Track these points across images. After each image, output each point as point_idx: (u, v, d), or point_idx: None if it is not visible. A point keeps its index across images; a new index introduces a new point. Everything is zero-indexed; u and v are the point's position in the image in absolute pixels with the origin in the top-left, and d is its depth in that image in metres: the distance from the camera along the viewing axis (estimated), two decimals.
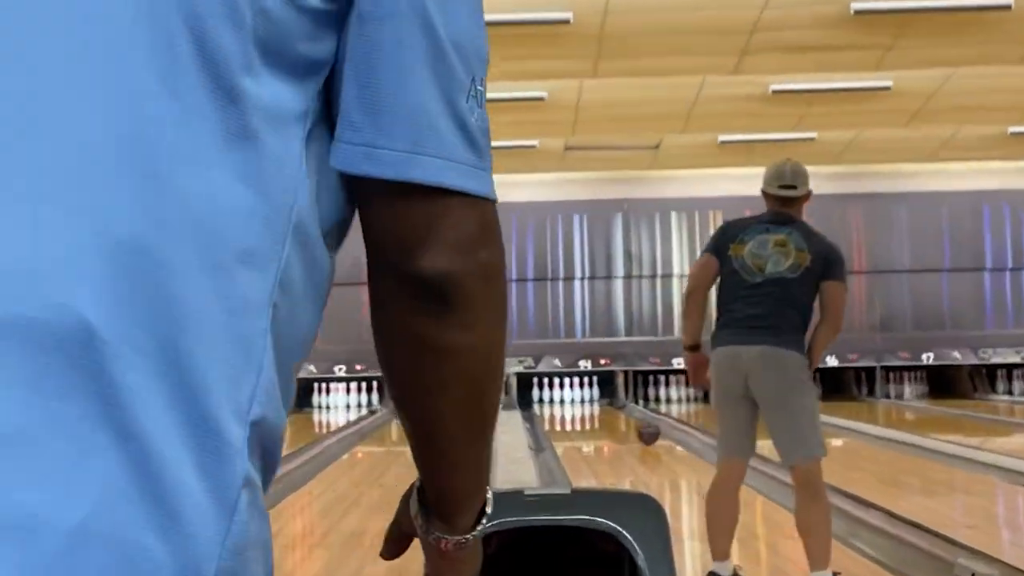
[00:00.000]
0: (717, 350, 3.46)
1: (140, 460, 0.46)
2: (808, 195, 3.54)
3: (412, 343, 0.60)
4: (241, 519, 0.49)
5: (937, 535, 4.16)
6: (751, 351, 3.32)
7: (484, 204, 0.59)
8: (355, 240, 0.64)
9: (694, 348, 3.58)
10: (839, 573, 3.40)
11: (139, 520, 0.46)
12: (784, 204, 3.49)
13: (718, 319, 3.52)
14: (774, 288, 3.35)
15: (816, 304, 3.41)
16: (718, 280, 3.54)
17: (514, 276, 12.29)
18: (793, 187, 3.51)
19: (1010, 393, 12.24)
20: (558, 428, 10.66)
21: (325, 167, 0.57)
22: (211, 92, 0.51)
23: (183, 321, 0.48)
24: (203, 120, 0.51)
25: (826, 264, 3.36)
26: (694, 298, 3.58)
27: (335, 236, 0.60)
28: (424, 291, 0.58)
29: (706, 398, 13.49)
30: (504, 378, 0.67)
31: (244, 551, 0.49)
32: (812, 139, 10.58)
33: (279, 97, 0.54)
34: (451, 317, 0.59)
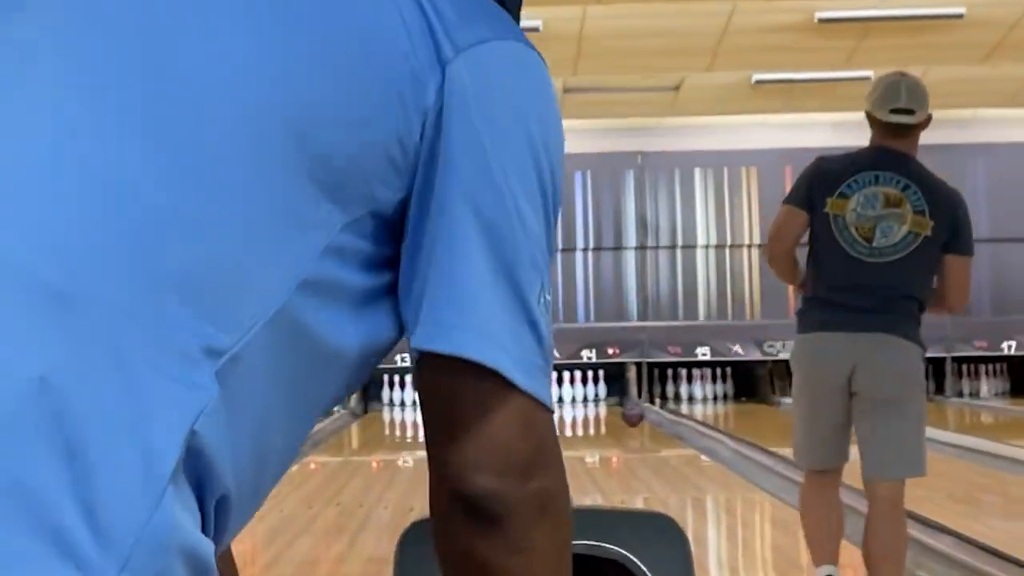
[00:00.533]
0: (810, 335, 3.51)
1: None
2: (927, 121, 3.49)
3: (462, 561, 0.74)
4: None
5: (1020, 564, 4.31)
6: (860, 339, 3.37)
7: (544, 415, 0.74)
8: None
9: (803, 285, 3.66)
10: None
11: None
12: (897, 136, 3.44)
13: (808, 296, 3.57)
14: (884, 265, 3.40)
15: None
16: (808, 240, 3.56)
17: None
18: (910, 112, 3.43)
19: None
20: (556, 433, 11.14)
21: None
22: None
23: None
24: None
25: (953, 231, 3.38)
26: (780, 264, 3.65)
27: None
28: (473, 509, 0.72)
29: (739, 396, 13.78)
30: None
31: None
32: (866, 79, 10.77)
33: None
34: (501, 538, 0.72)
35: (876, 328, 3.38)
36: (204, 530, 0.64)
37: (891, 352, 3.36)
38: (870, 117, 3.50)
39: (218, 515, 0.65)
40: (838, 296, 3.43)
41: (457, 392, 0.73)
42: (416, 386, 0.77)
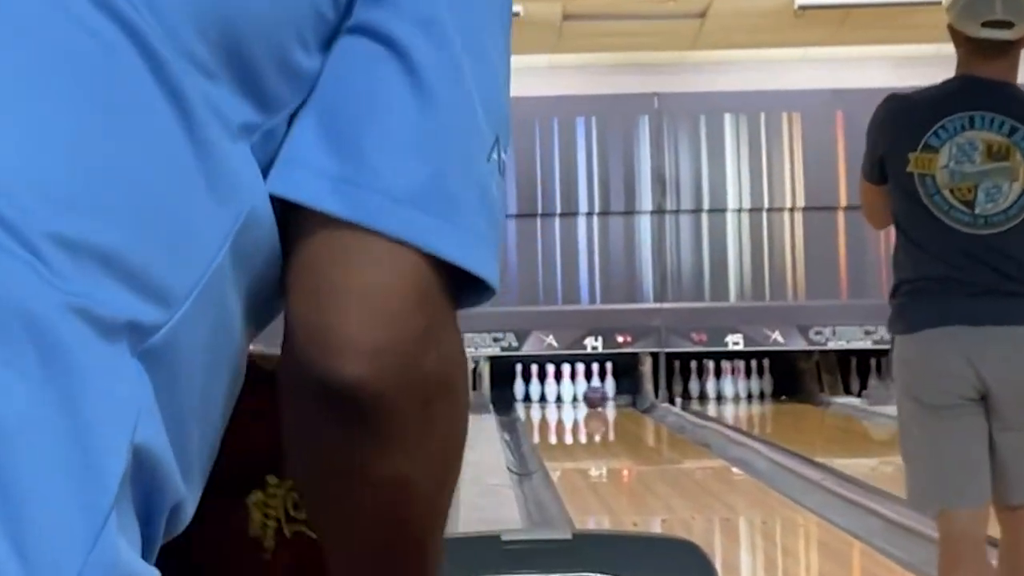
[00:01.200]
0: (918, 335, 3.40)
1: None
2: None
3: (324, 464, 0.76)
4: None
5: None
6: (986, 333, 3.30)
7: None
8: None
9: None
10: None
11: None
12: (993, 56, 3.33)
13: (902, 283, 3.46)
14: (993, 237, 3.32)
15: None
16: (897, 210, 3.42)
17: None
18: (1008, 25, 3.29)
19: None
20: (553, 440, 11.54)
21: None
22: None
23: None
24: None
25: None
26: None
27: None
28: (337, 404, 0.72)
29: (779, 394, 13.92)
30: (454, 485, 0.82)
31: None
32: (936, 2, 11.07)
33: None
34: (379, 442, 0.73)
35: (1004, 319, 3.33)
36: (150, 546, 0.68)
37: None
38: (955, 34, 3.37)
39: (169, 520, 0.69)
40: (941, 281, 3.36)
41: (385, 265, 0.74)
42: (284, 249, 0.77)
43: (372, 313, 0.72)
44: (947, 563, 3.49)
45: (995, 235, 3.33)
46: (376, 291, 0.73)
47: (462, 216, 0.74)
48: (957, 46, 3.40)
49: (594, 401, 11.20)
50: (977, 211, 3.32)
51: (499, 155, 0.78)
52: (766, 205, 13.70)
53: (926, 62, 9.20)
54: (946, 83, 3.43)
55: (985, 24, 3.29)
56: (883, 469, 9.31)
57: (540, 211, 13.79)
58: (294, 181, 0.74)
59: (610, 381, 13.27)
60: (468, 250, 0.74)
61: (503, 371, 13.32)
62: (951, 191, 3.32)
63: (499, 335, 13.10)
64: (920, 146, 3.32)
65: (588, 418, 13.07)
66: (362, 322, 0.71)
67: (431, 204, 0.73)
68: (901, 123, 3.39)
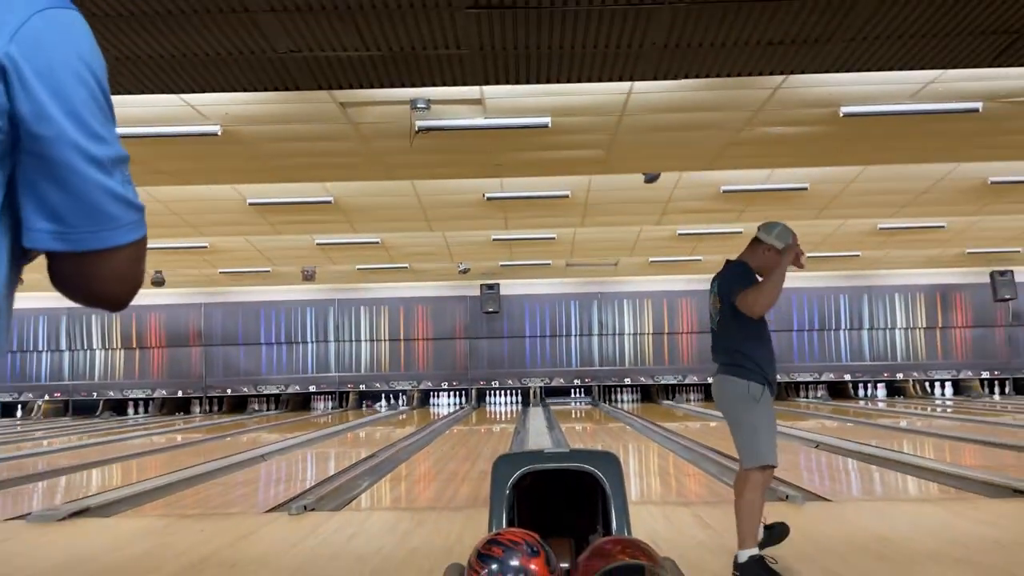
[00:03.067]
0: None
1: None
2: (766, 243, 5.92)
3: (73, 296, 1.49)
4: None
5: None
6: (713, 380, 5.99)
7: (141, 241, 1.44)
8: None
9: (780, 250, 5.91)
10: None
11: None
12: (750, 248, 5.97)
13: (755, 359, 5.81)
14: (717, 327, 6.06)
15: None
16: (747, 324, 5.85)
17: (538, 334, 29.44)
18: (757, 234, 5.92)
19: (806, 397, 29.79)
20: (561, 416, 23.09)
21: None
22: None
23: None
24: None
25: (727, 294, 5.88)
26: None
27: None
28: (102, 303, 1.46)
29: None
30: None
31: None
32: (700, 260, 26.42)
33: None
34: (116, 305, 1.49)
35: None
36: None
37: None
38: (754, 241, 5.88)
39: None
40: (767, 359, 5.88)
41: (104, 263, 1.35)
42: (65, 271, 1.41)
43: (120, 283, 1.40)
44: (761, 492, 5.71)
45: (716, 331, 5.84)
46: (113, 273, 1.38)
47: (110, 223, 1.35)
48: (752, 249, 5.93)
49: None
50: (712, 317, 5.93)
51: (123, 173, 1.39)
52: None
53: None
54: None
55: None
56: (680, 426, 18.62)
57: (559, 334, 30.11)
58: (31, 239, 1.32)
59: (583, 395, 29.51)
60: (121, 236, 1.37)
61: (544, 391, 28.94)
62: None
63: (546, 379, 29.35)
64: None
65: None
66: (118, 289, 1.41)
67: (100, 227, 1.34)
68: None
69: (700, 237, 22.18)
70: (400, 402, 30.72)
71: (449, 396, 30.38)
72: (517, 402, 30.35)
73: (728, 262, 6.10)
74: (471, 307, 30.23)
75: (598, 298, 30.53)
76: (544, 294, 30.18)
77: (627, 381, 30.04)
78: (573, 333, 30.60)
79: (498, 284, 29.63)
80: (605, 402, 29.76)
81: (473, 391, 30.50)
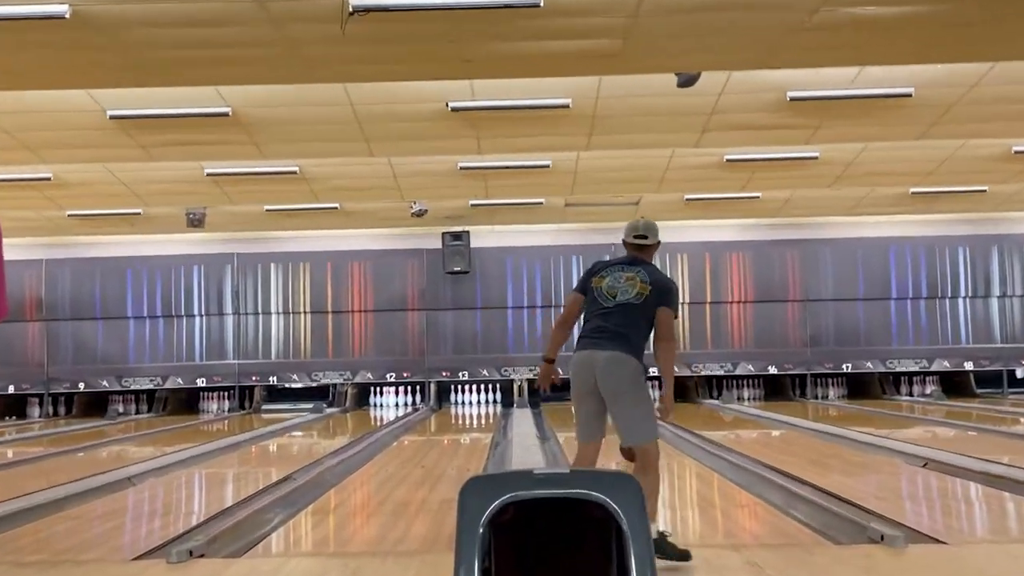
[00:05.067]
0: (575, 353, 8.00)
1: None
2: (657, 244, 8.26)
3: None
4: None
5: (854, 504, 9.21)
6: (602, 355, 7.90)
7: None
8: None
9: (550, 361, 8.42)
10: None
11: None
12: (637, 250, 8.15)
13: (580, 332, 8.21)
14: (622, 309, 7.98)
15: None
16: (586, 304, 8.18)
17: (524, 304, 28.98)
18: (644, 237, 8.19)
19: (910, 395, 29.14)
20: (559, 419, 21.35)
21: None
22: None
23: None
24: None
25: (660, 294, 7.90)
26: (563, 325, 8.39)
27: None
28: None
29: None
30: None
31: None
32: (757, 198, 26.16)
33: None
34: None
35: (612, 349, 8.09)
36: None
37: (616, 362, 8.11)
38: (623, 242, 8.35)
39: None
40: (592, 330, 8.38)
41: None
42: None
43: None
44: (655, 459, 8.01)
45: (621, 310, 8.13)
46: None
47: None
48: (624, 245, 8.44)
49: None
50: (617, 298, 8.12)
51: None
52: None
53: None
54: (621, 258, 8.39)
55: (635, 237, 8.38)
56: (729, 436, 18.25)
57: (553, 304, 28.96)
58: None
59: None
60: None
61: (533, 385, 27.21)
62: (607, 291, 8.16)
63: (532, 367, 28.16)
64: (598, 276, 8.25)
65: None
66: None
67: None
68: (595, 269, 8.40)
69: (756, 165, 22.09)
70: (327, 402, 30.29)
71: (397, 393, 30.14)
72: (495, 401, 30.09)
73: (652, 266, 8.62)
74: (429, 265, 29.97)
75: (610, 252, 27.16)
76: (533, 246, 29.78)
77: (652, 371, 28.01)
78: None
79: (467, 232, 29.32)
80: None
81: (431, 386, 30.20)
